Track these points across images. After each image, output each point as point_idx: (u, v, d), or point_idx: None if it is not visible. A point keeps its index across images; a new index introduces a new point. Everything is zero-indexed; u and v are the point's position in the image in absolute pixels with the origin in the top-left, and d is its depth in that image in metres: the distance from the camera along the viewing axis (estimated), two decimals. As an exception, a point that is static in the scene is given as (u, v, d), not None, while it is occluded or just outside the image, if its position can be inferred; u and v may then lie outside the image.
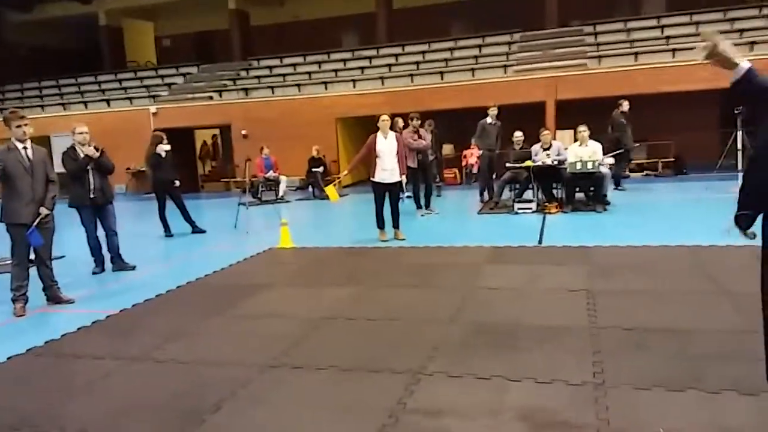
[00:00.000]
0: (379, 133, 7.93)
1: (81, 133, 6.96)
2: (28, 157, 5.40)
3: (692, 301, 4.66)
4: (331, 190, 8.44)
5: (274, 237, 8.30)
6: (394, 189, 8.00)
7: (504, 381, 3.39)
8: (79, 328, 4.91)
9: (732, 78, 2.60)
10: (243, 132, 16.84)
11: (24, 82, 21.86)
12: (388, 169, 7.85)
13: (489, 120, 11.38)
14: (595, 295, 4.94)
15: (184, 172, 14.53)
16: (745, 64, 2.59)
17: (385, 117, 7.98)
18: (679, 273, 5.52)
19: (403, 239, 7.98)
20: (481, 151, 11.84)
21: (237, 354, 4.11)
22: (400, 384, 3.43)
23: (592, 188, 9.92)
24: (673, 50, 14.75)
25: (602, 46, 16.25)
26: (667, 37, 15.66)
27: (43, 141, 16.97)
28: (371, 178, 7.97)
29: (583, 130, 9.99)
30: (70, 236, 8.42)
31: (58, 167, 7.15)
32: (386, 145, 7.87)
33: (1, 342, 4.71)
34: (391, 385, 3.42)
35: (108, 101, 19.42)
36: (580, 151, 9.90)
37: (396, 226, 8.11)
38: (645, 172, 15.38)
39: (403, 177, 8.06)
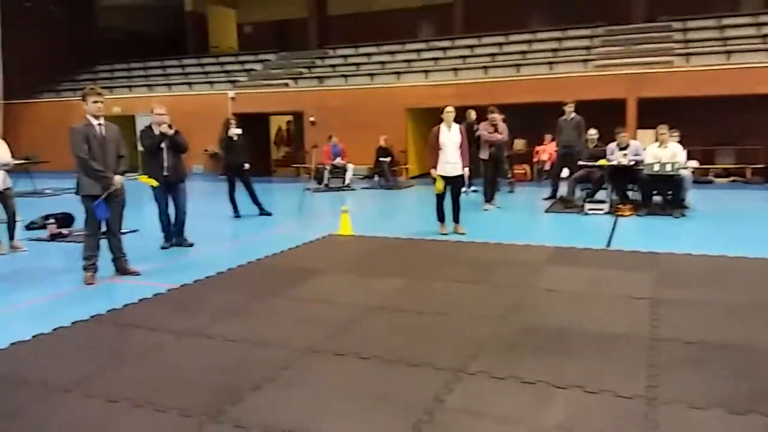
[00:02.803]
0: (442, 125, 7.79)
1: (159, 113, 7.25)
2: (102, 132, 5.66)
3: (765, 318, 4.31)
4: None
5: (335, 223, 8.35)
6: (456, 182, 7.85)
7: (549, 387, 3.24)
8: (140, 300, 5.10)
9: None
10: (311, 119, 17.05)
11: (114, 63, 23.01)
12: (451, 162, 7.71)
13: (563, 116, 11.11)
14: (660, 304, 4.66)
15: (257, 156, 14.90)
16: None
17: (449, 108, 7.83)
18: (755, 287, 5.12)
19: (463, 233, 7.84)
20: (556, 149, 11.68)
21: (283, 336, 4.15)
22: (440, 380, 3.35)
23: (670, 192, 9.40)
24: (771, 49, 13.74)
25: (691, 43, 15.34)
26: (764, 36, 14.58)
27: (128, 120, 17.91)
28: (432, 168, 7.85)
29: (664, 131, 9.50)
30: (147, 211, 8.77)
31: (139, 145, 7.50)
32: (449, 137, 7.73)
33: (70, 307, 4.97)
34: (431, 381, 3.35)
35: (190, 84, 20.15)
36: (660, 152, 9.40)
37: (456, 220, 7.97)
38: (732, 178, 14.45)
39: (466, 170, 7.89)
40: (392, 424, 2.90)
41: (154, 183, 7.06)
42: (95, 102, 5.62)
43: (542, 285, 5.35)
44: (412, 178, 15.81)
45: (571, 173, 10.93)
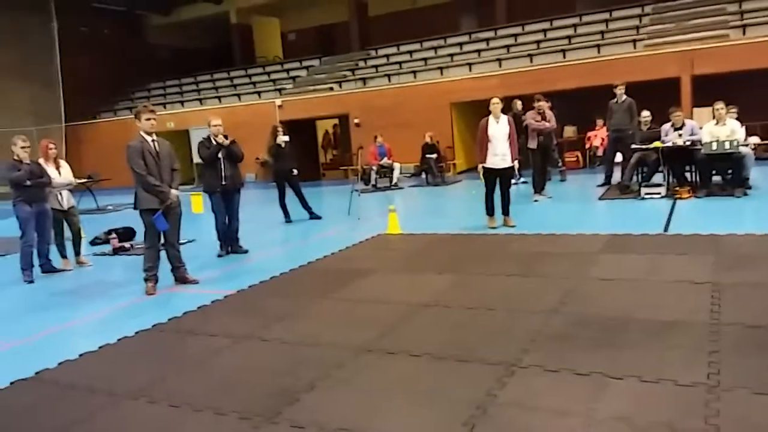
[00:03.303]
0: (490, 117, 7.71)
1: (216, 125, 7.50)
2: (155, 148, 5.88)
3: (840, 299, 4.08)
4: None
5: (384, 223, 8.39)
6: (505, 174, 7.76)
7: (604, 378, 3.17)
8: (199, 307, 5.27)
9: None
10: (356, 121, 17.15)
11: (166, 80, 23.81)
12: (499, 154, 7.62)
13: (614, 99, 10.82)
14: (722, 288, 4.49)
15: (305, 161, 15.12)
16: None
17: (496, 100, 7.74)
18: (828, 266, 4.86)
19: (513, 226, 7.74)
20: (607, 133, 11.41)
21: (335, 336, 4.22)
22: (493, 375, 3.32)
23: (730, 171, 9.01)
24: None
25: (747, 14, 14.61)
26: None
27: (182, 134, 18.49)
28: (481, 164, 7.79)
29: (720, 108, 9.11)
30: (202, 222, 9.05)
31: (196, 156, 7.73)
32: (498, 128, 7.64)
33: (133, 317, 5.19)
34: (483, 376, 3.33)
35: (239, 95, 20.62)
36: (717, 130, 9.03)
37: (506, 212, 7.87)
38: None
39: (516, 162, 7.79)
40: (445, 420, 2.91)
41: (200, 204, 7.31)
42: (148, 119, 5.85)
43: (596, 275, 5.23)
44: (460, 173, 15.70)
45: (624, 157, 10.62)
